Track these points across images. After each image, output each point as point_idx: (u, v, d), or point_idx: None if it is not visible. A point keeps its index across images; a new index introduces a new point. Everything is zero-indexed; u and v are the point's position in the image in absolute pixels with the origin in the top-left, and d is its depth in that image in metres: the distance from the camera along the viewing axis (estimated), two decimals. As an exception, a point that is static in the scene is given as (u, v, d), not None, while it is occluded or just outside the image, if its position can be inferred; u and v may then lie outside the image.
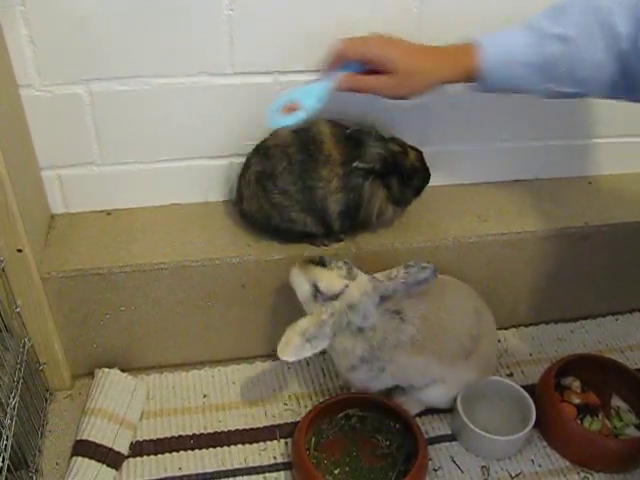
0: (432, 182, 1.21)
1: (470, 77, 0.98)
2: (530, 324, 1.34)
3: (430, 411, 1.14)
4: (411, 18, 1.11)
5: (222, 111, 1.14)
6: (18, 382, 0.98)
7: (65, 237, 1.14)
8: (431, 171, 1.16)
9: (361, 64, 0.98)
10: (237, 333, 1.21)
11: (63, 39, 1.01)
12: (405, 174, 1.11)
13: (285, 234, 1.14)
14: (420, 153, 1.14)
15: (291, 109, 0.97)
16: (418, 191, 1.15)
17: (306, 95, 0.98)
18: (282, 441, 1.10)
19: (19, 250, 0.98)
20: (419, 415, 1.13)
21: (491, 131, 1.28)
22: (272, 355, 1.20)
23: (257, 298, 1.17)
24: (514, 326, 1.33)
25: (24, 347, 1.04)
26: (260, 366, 1.23)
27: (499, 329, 1.29)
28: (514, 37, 0.97)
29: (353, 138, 1.09)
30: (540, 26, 0.96)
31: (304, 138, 1.09)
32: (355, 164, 1.07)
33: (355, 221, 1.13)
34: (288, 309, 1.11)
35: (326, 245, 1.15)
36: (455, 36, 0.99)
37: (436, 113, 1.21)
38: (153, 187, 1.20)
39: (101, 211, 1.20)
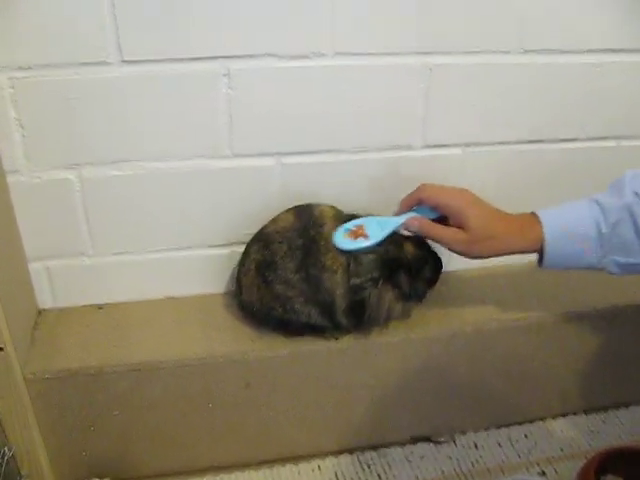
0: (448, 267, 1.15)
1: (536, 249, 0.95)
2: (558, 415, 1.24)
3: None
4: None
5: (221, 196, 1.07)
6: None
7: (53, 334, 1.05)
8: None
9: (433, 210, 0.98)
10: (241, 437, 1.10)
11: (53, 122, 0.95)
12: (411, 268, 1.02)
13: (288, 326, 1.05)
14: (422, 242, 1.04)
15: (356, 234, 0.98)
16: (432, 282, 1.06)
17: (375, 225, 0.99)
18: None
19: (0, 348, 0.90)
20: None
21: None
22: (281, 460, 1.11)
23: (263, 398, 1.07)
24: (540, 419, 1.23)
25: (3, 457, 0.95)
26: (268, 474, 1.12)
27: (523, 422, 1.21)
28: (575, 208, 0.95)
29: None
30: (604, 200, 0.94)
31: (305, 221, 1.02)
32: (352, 282, 0.98)
33: (361, 319, 1.03)
34: (297, 410, 1.03)
35: (336, 338, 1.06)
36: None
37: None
38: (148, 279, 1.13)
39: (92, 305, 1.12)
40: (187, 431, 1.07)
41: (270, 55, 0.98)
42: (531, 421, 1.23)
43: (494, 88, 1.09)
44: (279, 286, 1.01)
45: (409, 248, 1.02)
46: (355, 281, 0.98)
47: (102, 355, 1.01)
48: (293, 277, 1.00)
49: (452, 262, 1.14)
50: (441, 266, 1.06)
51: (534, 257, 0.97)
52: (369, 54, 1.01)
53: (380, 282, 0.99)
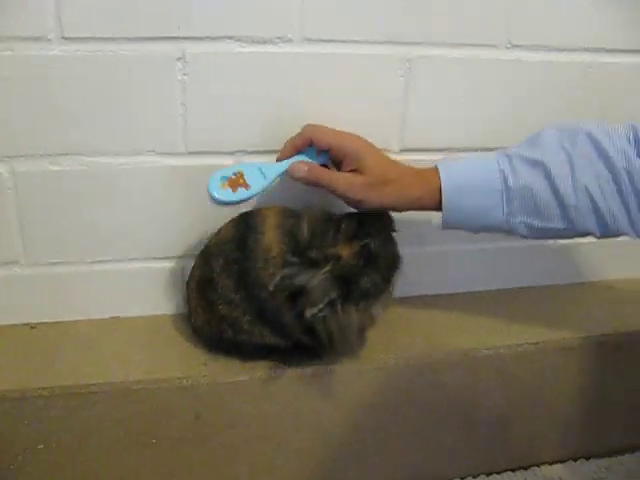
0: (431, 290, 1.04)
1: (435, 200, 0.86)
2: (556, 462, 1.10)
3: None
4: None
5: (173, 199, 0.96)
6: None
7: (-29, 355, 0.92)
8: (429, 276, 0.98)
9: (320, 155, 0.89)
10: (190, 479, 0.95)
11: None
12: (347, 274, 0.84)
13: (245, 349, 0.92)
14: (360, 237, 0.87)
15: (235, 183, 0.85)
16: (393, 265, 0.89)
17: (255, 172, 0.87)
18: None
19: None
20: None
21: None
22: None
23: (215, 434, 0.93)
24: (536, 465, 1.09)
25: None
26: (221, 522, 0.96)
27: (517, 469, 1.07)
28: (480, 159, 0.87)
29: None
30: (512, 152, 0.86)
31: (243, 229, 0.90)
32: (307, 315, 0.81)
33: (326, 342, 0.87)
34: (255, 449, 0.91)
35: (298, 364, 0.92)
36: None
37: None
38: (89, 295, 0.99)
39: (24, 324, 0.98)
40: (127, 472, 0.92)
41: (230, 38, 0.88)
42: (526, 467, 1.09)
43: (481, 85, 1.00)
44: (222, 306, 0.89)
45: (346, 251, 0.85)
46: (310, 313, 0.82)
47: (28, 377, 0.87)
48: (234, 296, 0.88)
49: (447, 284, 1.05)
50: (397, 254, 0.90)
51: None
52: (342, 41, 0.92)
53: (338, 304, 0.83)
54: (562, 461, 1.11)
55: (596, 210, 0.82)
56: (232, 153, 0.94)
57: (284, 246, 0.86)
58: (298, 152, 0.90)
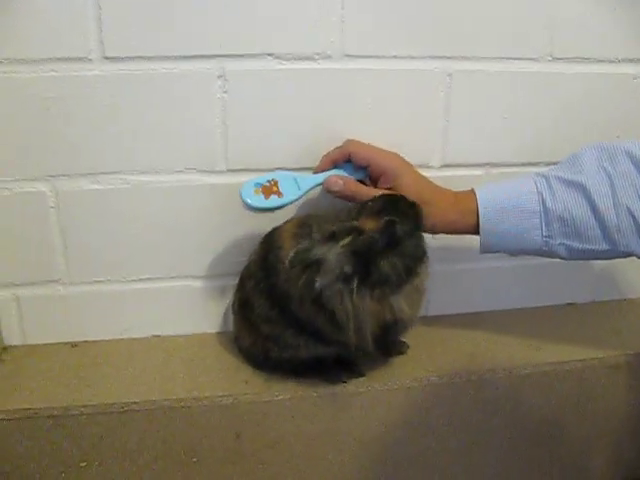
0: (470, 308, 1.01)
1: (471, 224, 0.85)
2: (605, 483, 1.07)
3: None
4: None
5: (214, 217, 0.95)
6: None
7: (16, 371, 0.92)
8: (468, 293, 0.96)
9: (357, 171, 0.89)
10: (230, 498, 0.94)
11: (24, 125, 0.86)
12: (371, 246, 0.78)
13: (292, 364, 0.90)
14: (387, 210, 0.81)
15: (269, 191, 0.85)
16: (414, 256, 0.81)
17: (289, 182, 0.87)
18: None
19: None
20: None
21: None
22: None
23: (256, 453, 0.91)
24: (584, 486, 1.06)
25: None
26: None
27: None
28: (518, 181, 0.85)
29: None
30: (550, 174, 0.84)
31: (266, 248, 0.89)
32: (317, 286, 0.76)
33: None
34: (298, 468, 0.90)
35: (344, 382, 0.91)
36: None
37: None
38: (130, 313, 1.00)
39: (66, 343, 0.99)
40: (167, 491, 0.91)
41: (270, 55, 0.88)
42: (574, 489, 1.06)
43: (522, 100, 0.98)
44: (263, 325, 0.89)
45: (370, 225, 0.79)
46: (319, 285, 0.77)
47: (70, 395, 0.88)
48: (271, 314, 0.87)
49: (487, 302, 1.03)
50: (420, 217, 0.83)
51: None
52: (381, 57, 0.91)
53: (354, 283, 0.78)
54: (612, 483, 1.07)
55: (639, 231, 0.80)
56: (272, 170, 0.93)
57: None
58: (335, 166, 0.89)
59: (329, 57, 0.90)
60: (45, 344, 0.99)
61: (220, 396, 0.88)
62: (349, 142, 0.89)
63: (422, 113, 0.96)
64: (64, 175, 0.89)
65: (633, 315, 1.14)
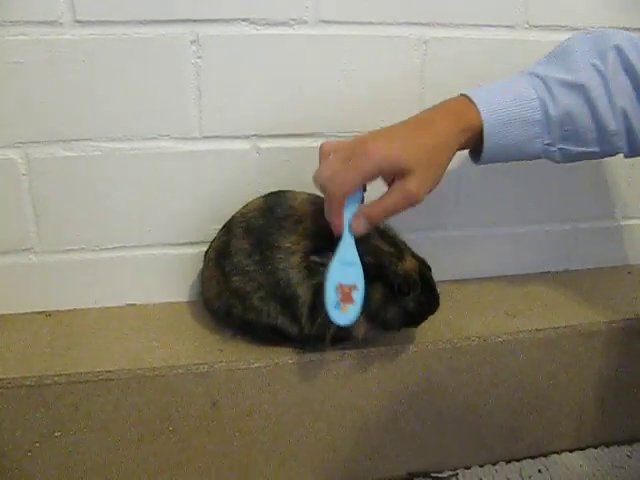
0: (449, 275, 1.02)
1: (473, 133, 0.80)
2: (575, 449, 1.08)
3: None
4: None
5: (188, 185, 0.95)
6: None
7: (-13, 342, 0.91)
8: (447, 261, 0.96)
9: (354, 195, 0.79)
10: (206, 468, 0.93)
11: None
12: (394, 283, 0.83)
13: (253, 328, 0.91)
14: (424, 266, 0.87)
15: (347, 295, 0.78)
16: (412, 317, 0.88)
17: (345, 269, 0.79)
18: None
19: None
20: None
21: (510, 211, 1.10)
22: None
23: (232, 421, 0.91)
24: (555, 452, 1.07)
25: None
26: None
27: (537, 456, 1.05)
28: (510, 88, 0.81)
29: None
30: (546, 74, 0.81)
31: (272, 202, 0.88)
32: (312, 257, 0.80)
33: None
34: (274, 437, 0.90)
35: (301, 349, 0.91)
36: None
37: (444, 188, 1.01)
38: (104, 282, 0.99)
39: (39, 312, 0.98)
40: (142, 460, 0.91)
41: (244, 20, 0.87)
42: (545, 455, 1.07)
43: (497, 66, 0.98)
44: (235, 277, 0.87)
45: (408, 264, 0.85)
46: (315, 258, 0.80)
47: (43, 364, 0.87)
48: (249, 264, 0.86)
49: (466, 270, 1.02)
50: (434, 304, 0.88)
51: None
52: (357, 23, 0.91)
53: None
54: (582, 448, 1.09)
55: (629, 129, 0.80)
56: (247, 137, 0.93)
57: (316, 222, 0.83)
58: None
59: (304, 23, 0.89)
60: (18, 314, 0.98)
61: (195, 364, 0.88)
62: (338, 189, 0.77)
63: (398, 79, 0.96)
64: (35, 142, 0.88)
65: (607, 284, 1.16)
